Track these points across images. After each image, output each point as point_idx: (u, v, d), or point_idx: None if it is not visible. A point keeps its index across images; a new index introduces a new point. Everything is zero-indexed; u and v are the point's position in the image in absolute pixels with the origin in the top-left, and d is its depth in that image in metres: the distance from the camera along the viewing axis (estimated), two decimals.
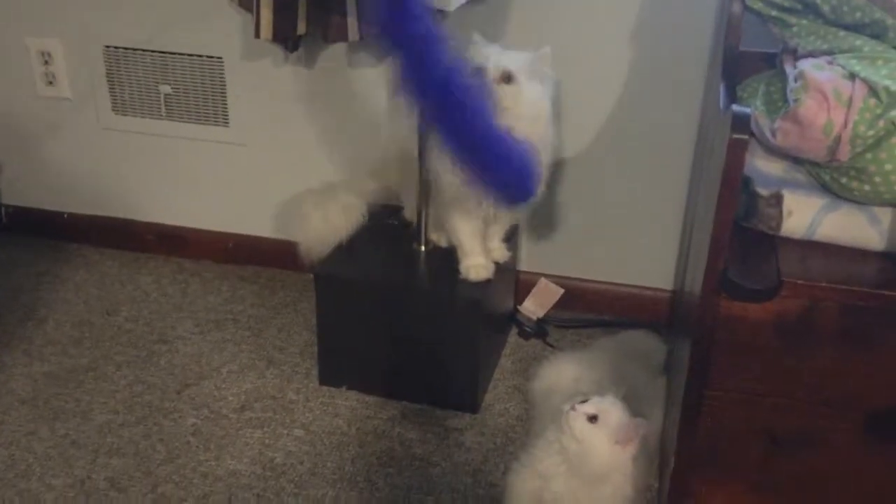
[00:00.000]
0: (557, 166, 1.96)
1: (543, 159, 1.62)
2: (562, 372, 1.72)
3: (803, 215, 1.26)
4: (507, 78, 1.55)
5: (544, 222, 2.04)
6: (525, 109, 1.57)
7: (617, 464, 1.39)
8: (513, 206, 1.66)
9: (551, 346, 1.99)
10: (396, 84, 1.45)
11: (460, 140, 1.47)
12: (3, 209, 2.38)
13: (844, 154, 1.23)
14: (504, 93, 1.54)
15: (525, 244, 2.08)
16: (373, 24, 1.48)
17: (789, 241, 1.27)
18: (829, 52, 1.31)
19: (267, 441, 1.70)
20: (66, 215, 2.35)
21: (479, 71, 1.54)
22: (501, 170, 1.51)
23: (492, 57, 1.56)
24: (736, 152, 1.11)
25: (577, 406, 1.39)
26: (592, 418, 1.38)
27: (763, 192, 1.28)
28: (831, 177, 1.28)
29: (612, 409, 1.40)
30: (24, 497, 1.56)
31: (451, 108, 1.44)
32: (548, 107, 1.62)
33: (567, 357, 1.79)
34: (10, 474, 1.61)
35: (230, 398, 1.81)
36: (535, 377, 1.77)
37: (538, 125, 1.60)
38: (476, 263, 1.74)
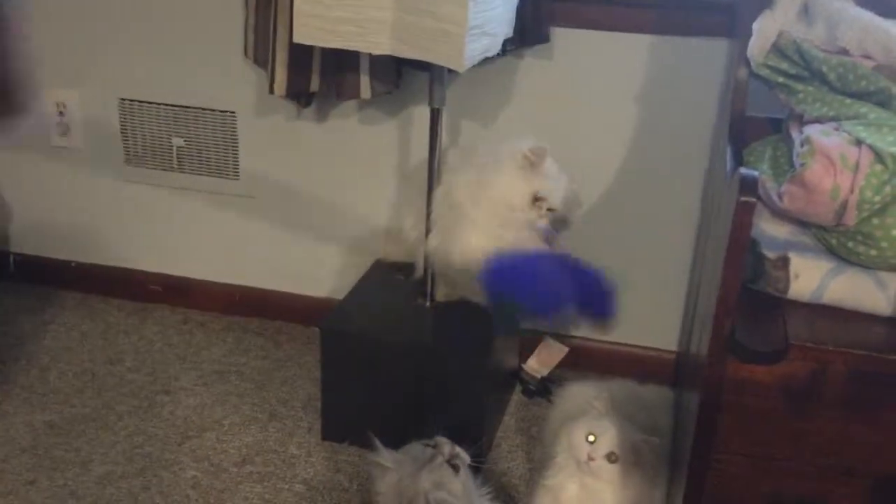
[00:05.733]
0: (562, 224, 1.98)
1: None
2: (578, 396, 1.72)
3: (810, 278, 1.27)
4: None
5: None
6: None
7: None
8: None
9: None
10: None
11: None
12: (11, 257, 2.39)
13: (851, 219, 1.24)
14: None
15: None
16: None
17: (796, 304, 1.27)
18: (835, 119, 1.33)
19: (267, 496, 1.68)
20: (73, 264, 2.36)
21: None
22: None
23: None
24: (744, 214, 1.12)
25: (594, 454, 1.47)
26: (611, 456, 1.47)
27: (770, 254, 1.28)
28: (838, 241, 1.29)
29: (609, 430, 1.49)
30: None
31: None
32: None
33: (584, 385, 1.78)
34: None
35: (231, 451, 1.80)
36: (553, 405, 1.84)
37: None
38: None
